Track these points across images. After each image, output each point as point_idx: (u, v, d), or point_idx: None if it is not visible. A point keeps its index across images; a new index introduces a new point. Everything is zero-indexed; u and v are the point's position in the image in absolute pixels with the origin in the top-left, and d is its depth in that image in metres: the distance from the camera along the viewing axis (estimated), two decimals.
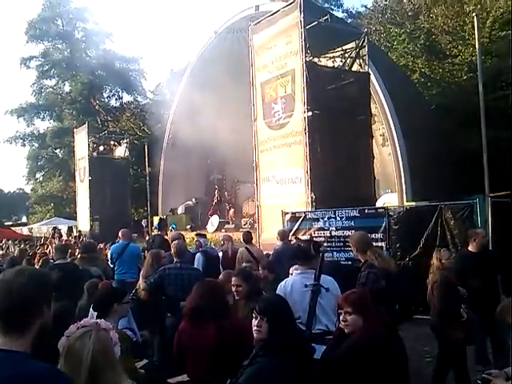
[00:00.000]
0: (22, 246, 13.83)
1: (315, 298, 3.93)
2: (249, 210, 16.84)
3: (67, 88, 37.06)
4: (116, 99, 37.53)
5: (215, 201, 19.42)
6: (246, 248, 7.80)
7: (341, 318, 2.97)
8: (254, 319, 2.73)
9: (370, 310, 2.94)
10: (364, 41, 12.10)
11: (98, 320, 2.12)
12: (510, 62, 13.89)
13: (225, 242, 8.77)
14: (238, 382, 2.57)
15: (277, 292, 4.23)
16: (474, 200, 7.66)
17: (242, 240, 8.52)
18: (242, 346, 3.37)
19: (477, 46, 10.40)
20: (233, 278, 4.32)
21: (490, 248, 6.50)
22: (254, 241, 9.01)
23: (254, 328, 2.70)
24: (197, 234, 9.87)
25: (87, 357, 1.90)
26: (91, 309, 3.77)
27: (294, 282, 4.19)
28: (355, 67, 12.32)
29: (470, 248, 5.66)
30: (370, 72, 12.39)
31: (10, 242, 14.82)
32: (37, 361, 1.70)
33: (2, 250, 10.99)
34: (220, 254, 8.35)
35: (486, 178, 8.62)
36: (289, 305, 2.95)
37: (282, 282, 4.27)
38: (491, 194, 8.08)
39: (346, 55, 12.31)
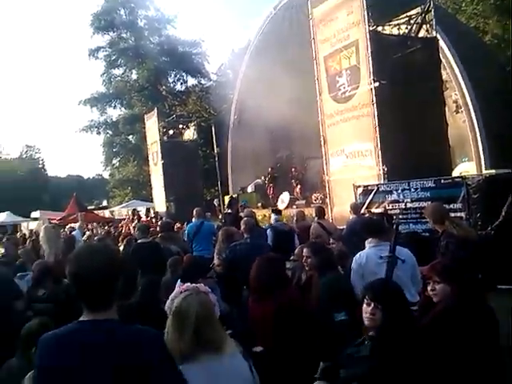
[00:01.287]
0: (106, 227, 14.80)
1: (391, 269, 3.92)
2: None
3: (134, 76, 38.25)
4: (181, 83, 38.25)
5: (268, 178, 19.46)
6: (318, 223, 7.85)
7: (429, 287, 2.96)
8: (365, 305, 2.60)
9: (459, 279, 2.91)
10: (430, 5, 11.55)
11: (198, 285, 2.31)
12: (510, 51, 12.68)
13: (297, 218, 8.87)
14: (359, 373, 2.40)
15: (352, 265, 4.27)
16: None
17: (314, 215, 8.56)
18: (302, 317, 3.50)
19: None
20: (304, 250, 4.38)
21: None
22: (325, 216, 9.00)
23: (367, 315, 2.56)
24: (272, 211, 9.99)
25: (192, 315, 2.13)
26: (178, 282, 4.02)
27: (369, 254, 4.21)
28: (422, 33, 11.81)
29: None
30: (439, 37, 11.82)
31: (94, 224, 15.85)
32: (129, 325, 1.86)
33: (89, 231, 11.85)
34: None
35: None
36: (404, 292, 2.82)
37: (357, 255, 4.30)
38: None
39: (412, 21, 11.79)
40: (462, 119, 13.87)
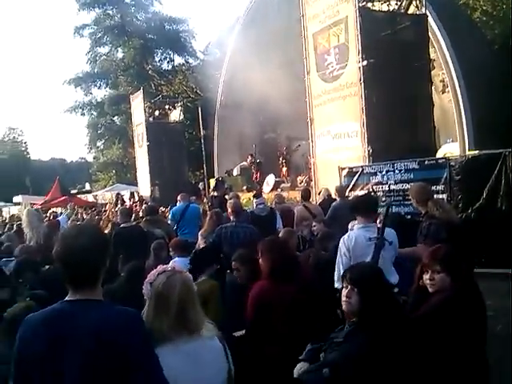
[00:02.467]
0: (90, 212, 14.54)
1: (378, 251, 3.88)
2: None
3: (120, 54, 37.41)
4: (168, 62, 37.46)
5: (249, 162, 19.04)
6: (303, 205, 7.80)
7: (426, 276, 2.74)
8: (343, 289, 2.50)
9: (460, 268, 2.72)
10: None
11: (172, 264, 2.24)
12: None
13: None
14: (333, 358, 2.33)
15: (340, 246, 4.20)
16: None
17: (300, 197, 8.51)
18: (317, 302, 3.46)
19: None
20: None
21: None
22: (311, 199, 8.95)
23: (343, 299, 2.47)
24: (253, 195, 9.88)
25: (176, 296, 2.07)
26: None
27: (358, 235, 4.13)
28: (411, 10, 11.68)
29: None
30: (428, 14, 11.67)
31: (79, 210, 15.56)
32: (113, 304, 1.88)
33: (75, 216, 11.59)
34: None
35: None
36: (383, 274, 2.71)
37: (345, 236, 4.21)
38: None
39: None
40: (447, 99, 13.82)
